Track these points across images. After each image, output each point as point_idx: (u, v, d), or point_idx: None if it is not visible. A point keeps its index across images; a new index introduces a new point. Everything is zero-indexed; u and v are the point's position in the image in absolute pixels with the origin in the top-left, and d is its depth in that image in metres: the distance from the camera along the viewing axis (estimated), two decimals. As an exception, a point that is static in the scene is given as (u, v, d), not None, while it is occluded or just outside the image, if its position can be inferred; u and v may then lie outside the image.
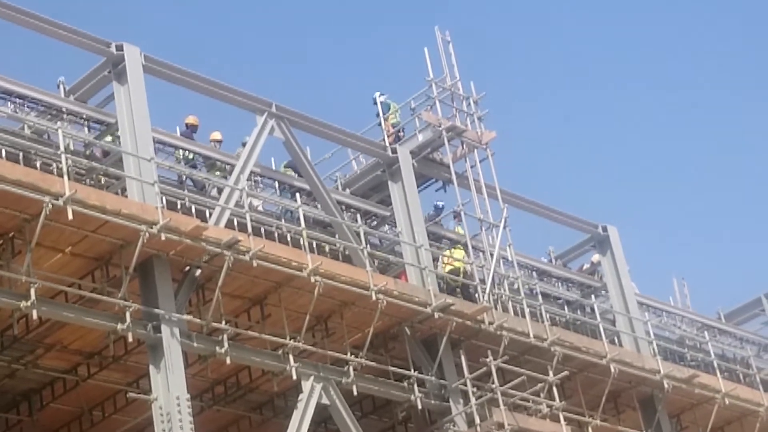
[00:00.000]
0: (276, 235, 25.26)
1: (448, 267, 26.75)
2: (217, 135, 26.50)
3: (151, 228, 20.14)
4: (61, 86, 24.00)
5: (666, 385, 28.50)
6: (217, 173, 25.79)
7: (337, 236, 25.53)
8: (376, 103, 28.71)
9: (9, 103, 22.94)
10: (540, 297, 28.10)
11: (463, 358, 24.84)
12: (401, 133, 28.36)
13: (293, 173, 27.04)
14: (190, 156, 25.52)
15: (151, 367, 20.47)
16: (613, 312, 30.69)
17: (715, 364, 30.94)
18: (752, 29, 72.92)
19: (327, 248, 26.21)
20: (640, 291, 33.40)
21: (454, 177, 27.62)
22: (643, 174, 72.71)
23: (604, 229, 31.49)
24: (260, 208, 26.03)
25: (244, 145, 26.35)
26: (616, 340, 29.91)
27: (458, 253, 26.98)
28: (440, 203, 28.98)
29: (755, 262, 66.40)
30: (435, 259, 27.07)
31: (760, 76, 72.29)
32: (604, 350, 27.37)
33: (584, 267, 33.55)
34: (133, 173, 21.51)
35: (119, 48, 22.58)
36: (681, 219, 71.61)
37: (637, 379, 28.37)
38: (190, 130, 25.96)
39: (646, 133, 73.67)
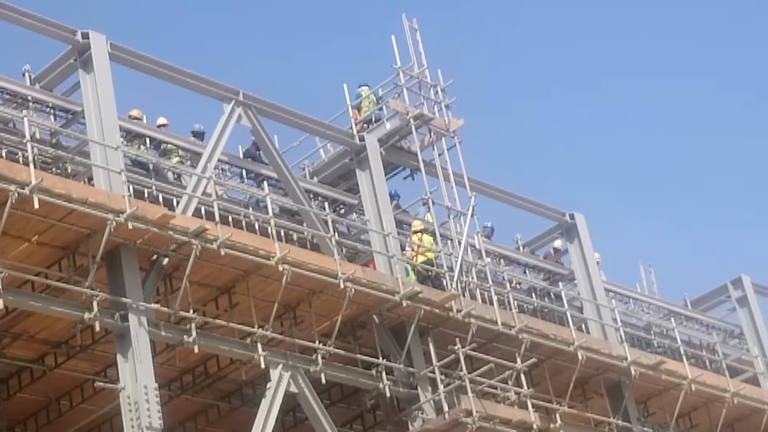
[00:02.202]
0: (243, 223, 25.21)
1: (420, 258, 26.76)
2: (162, 120, 26.30)
3: (118, 217, 20.08)
4: (27, 74, 23.89)
5: (633, 372, 28.64)
6: (175, 160, 25.71)
7: (305, 224, 25.52)
8: (359, 96, 28.70)
9: (-26, 92, 22.83)
10: (508, 285, 28.16)
11: (431, 345, 24.87)
12: (372, 122, 28.34)
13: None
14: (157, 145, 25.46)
15: (119, 356, 20.42)
16: (580, 299, 30.81)
17: (682, 351, 31.06)
18: (710, 24, 73.36)
19: (295, 236, 26.19)
20: (607, 278, 33.54)
21: (421, 165, 27.64)
22: (611, 162, 73.04)
23: (572, 216, 31.59)
24: (224, 196, 25.94)
25: (193, 133, 26.37)
26: (584, 327, 30.03)
27: (427, 240, 26.99)
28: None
29: (721, 249, 66.82)
30: (403, 247, 27.10)
31: (721, 60, 72.77)
32: (572, 337, 27.48)
33: (547, 254, 33.63)
34: (99, 162, 21.43)
35: (85, 36, 22.48)
36: (648, 206, 71.99)
37: (605, 366, 28.49)
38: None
39: (614, 121, 73.93)
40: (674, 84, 73.64)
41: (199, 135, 26.53)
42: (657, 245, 66.58)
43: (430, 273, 26.38)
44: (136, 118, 25.77)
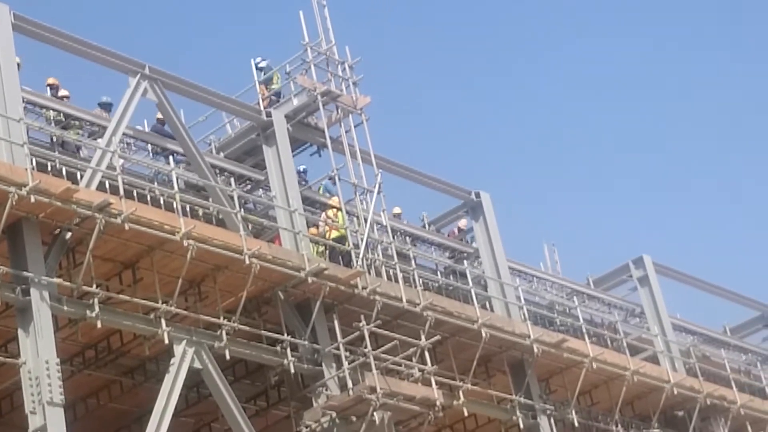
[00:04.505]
0: (149, 198, 25.03)
1: (334, 233, 26.76)
2: (64, 92, 25.97)
3: (20, 190, 19.85)
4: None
5: (536, 350, 28.94)
6: (78, 132, 25.43)
7: (210, 200, 25.39)
8: (260, 69, 28.57)
9: None
10: (413, 262, 28.26)
11: (336, 322, 24.93)
12: (280, 98, 28.24)
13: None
14: (60, 117, 25.15)
15: (20, 331, 20.20)
16: (484, 277, 31.02)
17: (584, 329, 31.45)
18: None
19: (200, 212, 26.07)
20: (511, 257, 33.80)
21: (328, 141, 27.62)
22: (515, 140, 73.59)
23: (477, 195, 31.78)
24: (129, 170, 25.72)
25: (100, 105, 26.11)
26: (488, 305, 30.26)
27: (341, 216, 27.00)
28: (302, 167, 29.03)
29: (623, 228, 67.74)
30: (315, 225, 27.10)
31: (620, 20, 73.57)
32: (476, 315, 27.68)
33: (451, 233, 33.83)
34: (1, 134, 21.11)
35: (-12, 6, 22.14)
36: (551, 185, 72.73)
37: (508, 344, 28.75)
38: (54, 91, 25.60)
39: (518, 100, 74.47)
40: (576, 58, 74.35)
41: (107, 107, 26.28)
42: (560, 224, 67.41)
43: (341, 249, 26.41)
44: (54, 86, 25.48)
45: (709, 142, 73.88)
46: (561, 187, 72.11)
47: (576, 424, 30.15)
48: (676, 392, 32.57)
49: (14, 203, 19.76)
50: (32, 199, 20.00)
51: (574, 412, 30.00)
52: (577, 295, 35.76)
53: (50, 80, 25.73)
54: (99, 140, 24.61)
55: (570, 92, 74.21)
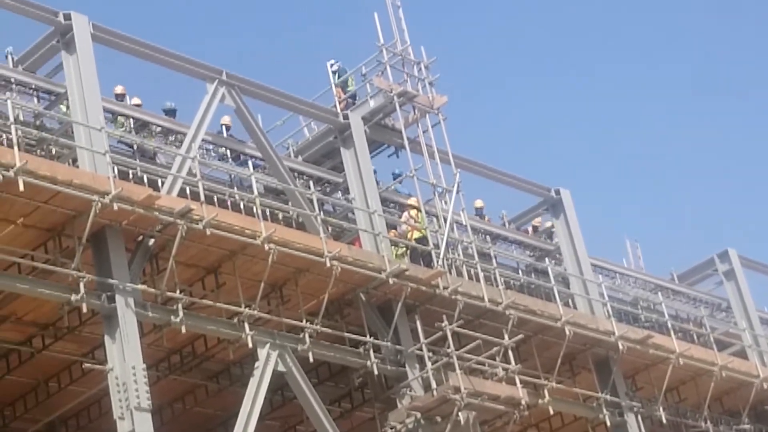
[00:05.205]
0: (229, 203, 25.19)
1: (416, 234, 26.74)
2: (136, 100, 26.14)
3: (103, 198, 20.04)
4: (9, 57, 23.82)
5: (620, 347, 28.69)
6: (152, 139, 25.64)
7: (290, 203, 25.49)
8: (333, 72, 28.66)
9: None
10: (494, 261, 28.17)
11: (418, 323, 24.91)
12: (356, 100, 28.29)
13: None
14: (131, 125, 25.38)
15: (107, 338, 20.40)
16: (567, 275, 30.83)
17: (669, 325, 31.14)
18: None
19: (280, 216, 26.18)
20: (594, 253, 33.57)
21: (406, 142, 27.61)
22: (596, 136, 73.11)
23: (557, 192, 31.60)
24: (208, 176, 25.86)
25: (165, 111, 26.27)
26: (571, 303, 30.07)
27: (422, 216, 26.99)
28: (397, 170, 29.10)
29: (708, 222, 67.03)
30: (395, 227, 27.11)
31: (711, 30, 72.81)
32: (559, 313, 27.51)
33: (527, 230, 33.67)
34: (83, 143, 21.37)
35: (67, 17, 22.41)
36: (634, 181, 72.10)
37: (592, 341, 28.55)
38: (122, 99, 25.84)
39: (598, 95, 73.97)
40: (659, 60, 73.71)
41: (171, 113, 26.45)
42: (643, 220, 66.78)
43: (422, 250, 26.38)
44: (122, 95, 25.74)
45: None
46: (643, 181, 71.51)
47: (664, 421, 29.85)
48: (765, 387, 32.13)
49: (97, 211, 19.96)
50: (115, 207, 20.19)
51: (661, 408, 29.71)
52: (662, 291, 35.43)
53: (118, 89, 25.88)
54: (175, 147, 24.81)
55: (649, 89, 73.57)
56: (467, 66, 67.50)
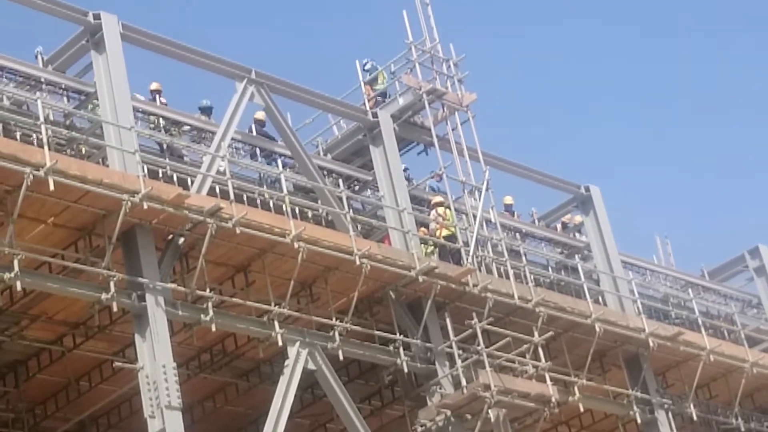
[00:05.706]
0: (258, 201, 25.22)
1: (445, 231, 26.71)
2: (155, 85, 26.17)
3: (133, 197, 20.09)
4: (39, 56, 23.89)
5: (651, 344, 28.60)
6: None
7: (319, 201, 25.50)
8: (366, 70, 28.67)
9: (-13, 74, 22.83)
10: (524, 258, 28.11)
11: (448, 320, 24.88)
12: (386, 98, 28.27)
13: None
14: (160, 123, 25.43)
15: (137, 336, 20.46)
16: (597, 272, 30.75)
17: (700, 322, 31.01)
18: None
19: (310, 214, 26.20)
20: (623, 250, 33.45)
21: (435, 140, 27.58)
22: (625, 132, 72.83)
23: (587, 189, 31.52)
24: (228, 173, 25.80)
25: (201, 109, 26.32)
26: (601, 300, 29.99)
27: (450, 214, 26.95)
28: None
29: (738, 218, 66.66)
30: (425, 225, 27.09)
31: (742, 28, 72.45)
32: (589, 310, 27.44)
33: (556, 227, 33.59)
34: (113, 142, 21.43)
35: (96, 17, 22.48)
36: (663, 177, 71.80)
37: (622, 338, 28.46)
38: (155, 96, 25.88)
39: (627, 92, 73.70)
40: (691, 54, 73.40)
41: (207, 111, 26.50)
42: (673, 216, 66.49)
43: (451, 248, 26.35)
44: (158, 91, 25.77)
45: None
46: (672, 177, 71.20)
47: (695, 417, 29.74)
48: (797, 383, 31.99)
49: (127, 210, 20.02)
50: (145, 206, 20.24)
51: (692, 405, 29.60)
52: (692, 287, 35.26)
53: (154, 85, 25.95)
54: (203, 145, 24.86)
55: (679, 86, 73.25)
56: (497, 62, 67.39)
